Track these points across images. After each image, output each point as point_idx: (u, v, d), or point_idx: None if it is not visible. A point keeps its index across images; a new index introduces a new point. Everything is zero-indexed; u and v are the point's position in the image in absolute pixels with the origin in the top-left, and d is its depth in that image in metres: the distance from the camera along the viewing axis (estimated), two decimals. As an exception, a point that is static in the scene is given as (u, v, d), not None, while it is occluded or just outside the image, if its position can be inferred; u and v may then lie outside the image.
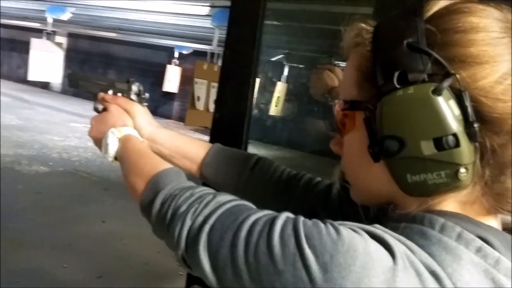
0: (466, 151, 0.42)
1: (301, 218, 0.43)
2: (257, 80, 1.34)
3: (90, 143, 0.86)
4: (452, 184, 0.43)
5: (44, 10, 5.30)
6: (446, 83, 0.42)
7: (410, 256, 0.39)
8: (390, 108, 0.44)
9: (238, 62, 1.18)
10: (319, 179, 0.77)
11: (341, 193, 0.72)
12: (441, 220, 0.43)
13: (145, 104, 0.88)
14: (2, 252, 2.91)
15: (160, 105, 11.06)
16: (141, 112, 0.86)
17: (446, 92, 0.42)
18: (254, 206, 0.51)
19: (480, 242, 0.41)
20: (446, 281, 0.38)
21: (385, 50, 0.46)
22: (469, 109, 0.42)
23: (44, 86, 12.53)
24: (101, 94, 0.87)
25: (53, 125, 8.29)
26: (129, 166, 0.69)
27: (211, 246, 0.47)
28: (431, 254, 0.40)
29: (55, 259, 3.16)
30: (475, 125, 0.42)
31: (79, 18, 5.92)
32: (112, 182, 5.09)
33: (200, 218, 0.50)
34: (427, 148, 0.42)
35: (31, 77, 4.71)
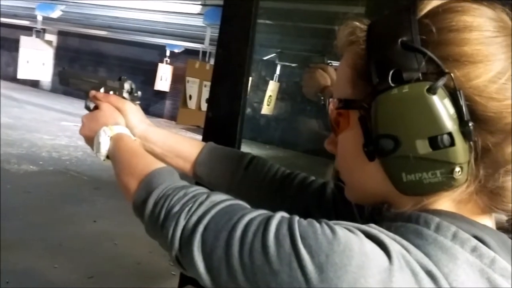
0: (461, 150, 0.42)
1: (296, 218, 0.43)
2: (250, 79, 1.33)
3: (81, 142, 0.86)
4: (447, 183, 0.43)
5: (33, 8, 5.22)
6: (441, 82, 0.42)
7: (406, 255, 0.39)
8: (385, 106, 0.44)
9: (231, 60, 1.17)
10: (313, 178, 0.77)
11: (335, 192, 0.72)
12: (436, 219, 0.43)
13: (137, 102, 0.88)
14: (-9, 253, 2.88)
15: (151, 103, 11.00)
16: (133, 110, 0.85)
17: (440, 91, 0.42)
18: (248, 206, 0.50)
19: (475, 242, 0.41)
20: (442, 281, 0.38)
21: (380, 49, 0.45)
22: (464, 108, 0.42)
23: (34, 84, 12.41)
24: (93, 92, 0.85)
25: (42, 124, 8.19)
26: (122, 165, 0.68)
27: (205, 246, 0.46)
28: (427, 254, 0.40)
29: (46, 259, 3.12)
30: (470, 124, 0.42)
31: (69, 16, 5.85)
32: (103, 181, 5.04)
33: (194, 218, 0.49)
34: (422, 147, 0.42)
35: (20, 75, 4.65)
